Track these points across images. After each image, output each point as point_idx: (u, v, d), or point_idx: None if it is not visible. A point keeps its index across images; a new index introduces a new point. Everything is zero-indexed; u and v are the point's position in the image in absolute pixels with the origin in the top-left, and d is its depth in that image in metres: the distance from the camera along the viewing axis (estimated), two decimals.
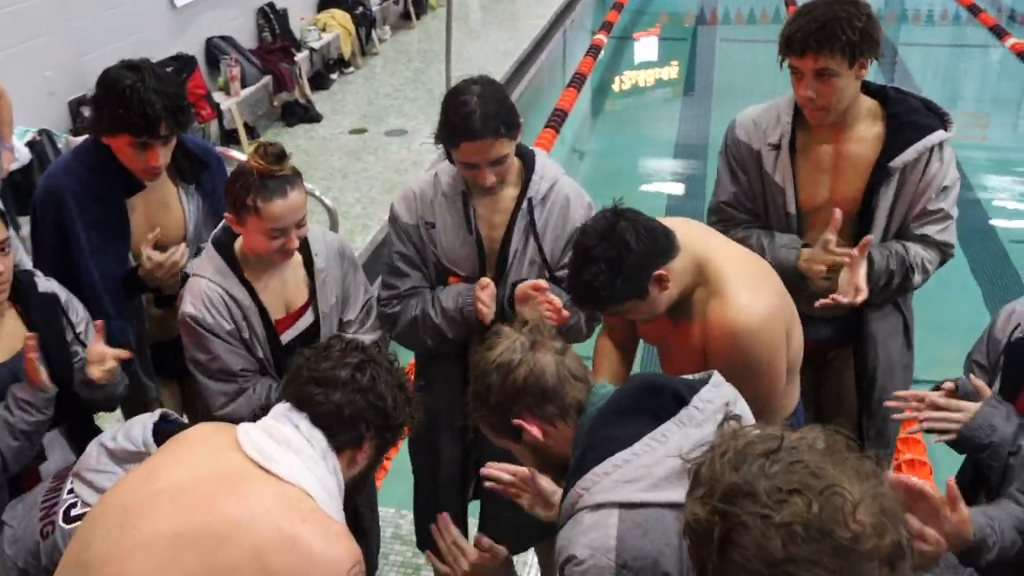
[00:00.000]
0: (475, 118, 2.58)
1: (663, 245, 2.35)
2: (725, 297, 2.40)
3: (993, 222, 6.84)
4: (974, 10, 12.65)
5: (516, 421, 1.90)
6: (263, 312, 2.71)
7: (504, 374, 1.89)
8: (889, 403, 2.52)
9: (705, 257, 2.44)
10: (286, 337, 2.77)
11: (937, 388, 2.46)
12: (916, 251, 2.88)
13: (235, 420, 2.17)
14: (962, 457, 2.53)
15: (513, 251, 2.79)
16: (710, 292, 2.42)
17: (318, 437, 1.91)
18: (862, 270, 2.75)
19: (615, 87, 11.05)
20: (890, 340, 3.06)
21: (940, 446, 2.48)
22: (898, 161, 2.81)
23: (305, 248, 2.79)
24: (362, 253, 5.83)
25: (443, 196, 2.82)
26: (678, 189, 7.94)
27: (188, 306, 2.66)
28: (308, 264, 2.80)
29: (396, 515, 3.91)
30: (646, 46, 12.58)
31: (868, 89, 2.90)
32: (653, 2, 14.80)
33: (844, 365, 3.14)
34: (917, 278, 2.89)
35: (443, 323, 2.82)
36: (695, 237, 2.48)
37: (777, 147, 2.93)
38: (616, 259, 2.27)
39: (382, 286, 2.94)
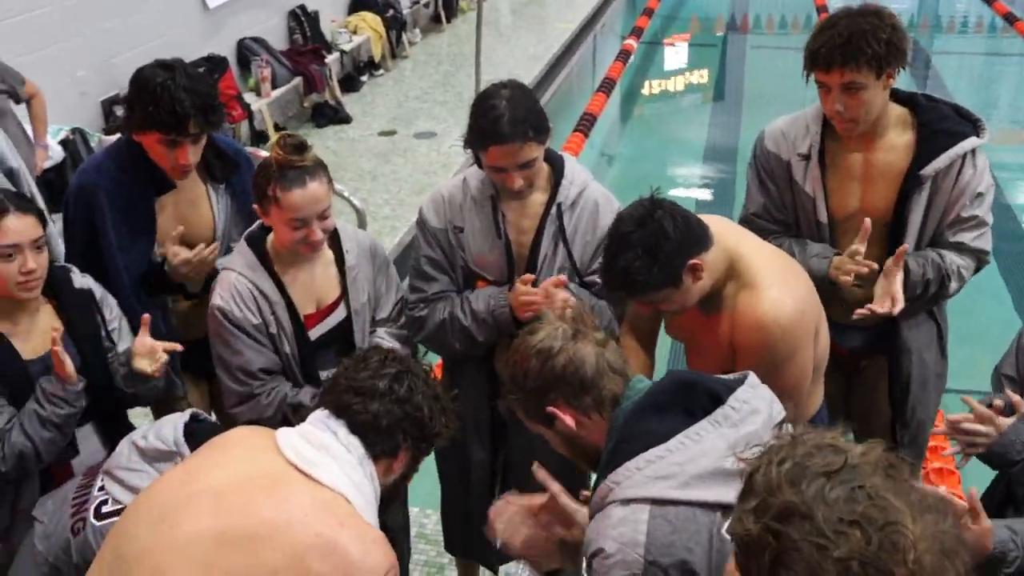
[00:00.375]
0: (504, 122, 2.57)
1: (699, 235, 2.36)
2: (755, 291, 2.40)
3: None
4: (1010, 18, 12.52)
5: (550, 409, 1.90)
6: (291, 307, 2.71)
7: (543, 360, 1.89)
8: (942, 430, 2.48)
9: (736, 252, 2.43)
10: (314, 333, 2.77)
11: (989, 405, 2.43)
12: (952, 258, 2.84)
13: (243, 422, 2.19)
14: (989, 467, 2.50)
15: (543, 256, 2.79)
16: (740, 286, 2.42)
17: (355, 444, 1.93)
18: (898, 280, 2.72)
19: (645, 92, 11.03)
20: (925, 349, 3.04)
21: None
22: (930, 169, 2.77)
23: (337, 245, 2.80)
24: (390, 254, 5.82)
25: (472, 200, 2.82)
26: (707, 195, 7.91)
27: (217, 298, 2.68)
28: (340, 261, 2.81)
29: (420, 514, 3.91)
30: (676, 52, 12.55)
31: (898, 97, 2.86)
32: (684, 7, 14.77)
33: (878, 374, 3.11)
34: (953, 285, 2.86)
35: (472, 326, 2.81)
36: (728, 232, 2.48)
37: (807, 157, 2.90)
38: (654, 246, 2.27)
39: (409, 289, 2.94)
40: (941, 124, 2.81)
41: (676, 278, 2.31)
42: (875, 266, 2.72)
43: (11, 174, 3.46)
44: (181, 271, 2.90)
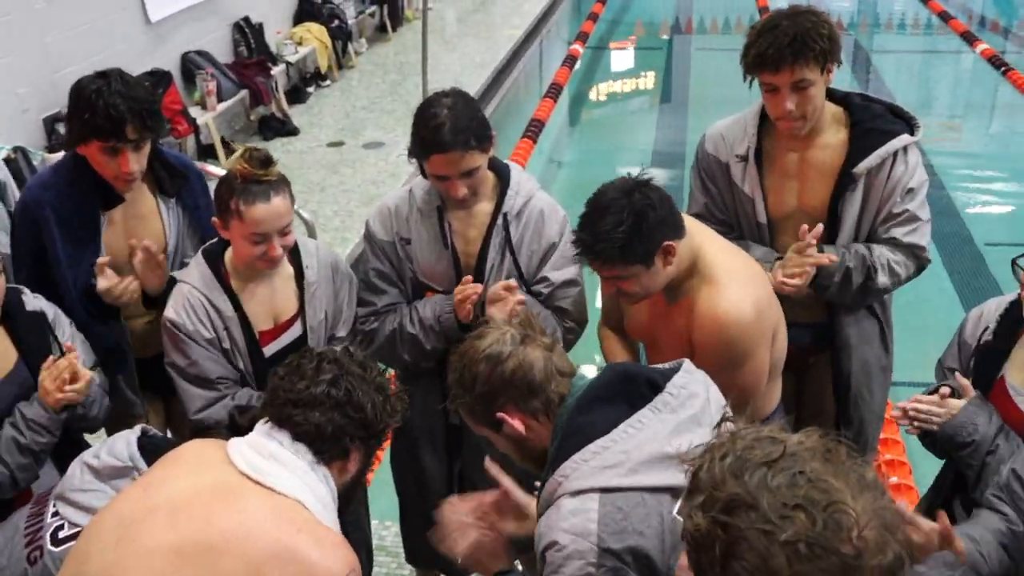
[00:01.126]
0: (445, 131, 2.59)
1: (677, 220, 2.40)
2: (716, 288, 2.43)
3: (967, 225, 6.91)
4: (945, 17, 12.79)
5: (499, 414, 1.92)
6: (245, 323, 2.70)
7: (492, 365, 1.90)
8: (893, 414, 2.54)
9: (700, 248, 2.47)
10: (270, 349, 2.76)
11: (934, 392, 2.48)
12: (881, 251, 2.89)
13: (210, 425, 2.15)
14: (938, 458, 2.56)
15: (490, 266, 2.80)
16: (702, 281, 2.45)
17: (303, 450, 1.91)
18: (810, 258, 2.78)
19: (592, 97, 11.10)
20: (865, 344, 3.08)
21: (919, 448, 2.50)
22: (861, 167, 2.83)
23: (297, 260, 2.79)
24: None
25: (418, 211, 2.83)
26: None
27: (170, 311, 2.67)
28: (299, 276, 2.80)
29: (380, 526, 3.90)
30: (622, 56, 12.64)
31: (833, 96, 2.92)
32: (629, 12, 14.89)
33: (824, 371, 3.17)
34: (882, 278, 2.89)
35: (420, 334, 2.82)
36: (694, 228, 2.51)
37: (744, 158, 2.95)
38: (639, 215, 2.30)
39: (358, 303, 2.94)
40: (874, 123, 2.87)
41: (650, 256, 2.33)
42: (811, 241, 2.76)
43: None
44: (105, 299, 2.86)
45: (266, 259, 2.62)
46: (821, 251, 2.78)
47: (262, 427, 1.97)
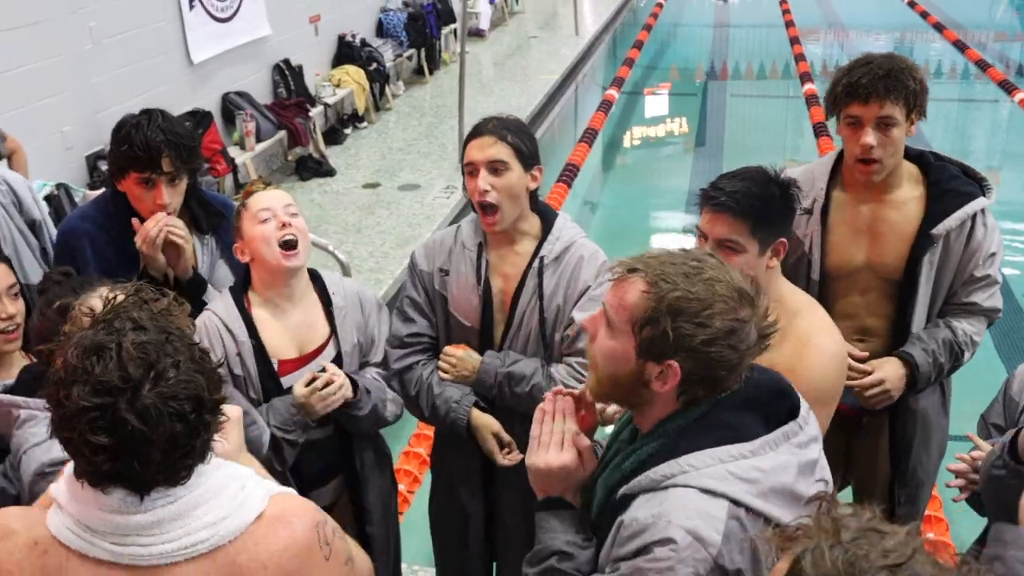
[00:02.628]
0: (485, 122, 2.76)
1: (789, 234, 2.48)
2: (814, 318, 2.44)
3: (1006, 276, 6.82)
4: (982, 65, 12.75)
5: (669, 362, 1.71)
6: (260, 352, 2.72)
7: (730, 331, 1.69)
8: (951, 483, 2.50)
9: (781, 282, 2.51)
10: (293, 379, 2.75)
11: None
12: (963, 329, 2.86)
13: None
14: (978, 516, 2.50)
15: (520, 312, 2.79)
16: (792, 312, 2.40)
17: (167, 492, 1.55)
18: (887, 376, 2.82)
19: (626, 142, 11.13)
20: (929, 410, 3.03)
21: (955, 504, 2.46)
22: (941, 228, 2.78)
23: (322, 290, 2.84)
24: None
25: (461, 244, 2.86)
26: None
27: None
28: (326, 304, 2.83)
29: (408, 570, 3.87)
30: (657, 101, 12.69)
31: (908, 154, 2.88)
32: (664, 57, 14.97)
33: (879, 432, 3.09)
34: (967, 356, 2.88)
35: (431, 418, 2.90)
36: None
37: (809, 211, 2.90)
38: (789, 197, 2.39)
39: (391, 334, 2.96)
40: (951, 183, 2.82)
41: (770, 242, 2.35)
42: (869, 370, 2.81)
43: (34, 226, 3.49)
44: (141, 248, 2.90)
45: (282, 241, 2.66)
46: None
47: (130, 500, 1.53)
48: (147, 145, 2.80)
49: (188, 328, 1.60)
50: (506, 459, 2.80)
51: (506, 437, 2.81)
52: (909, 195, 2.86)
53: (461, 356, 2.82)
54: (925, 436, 3.04)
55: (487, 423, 2.81)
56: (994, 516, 2.23)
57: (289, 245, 2.68)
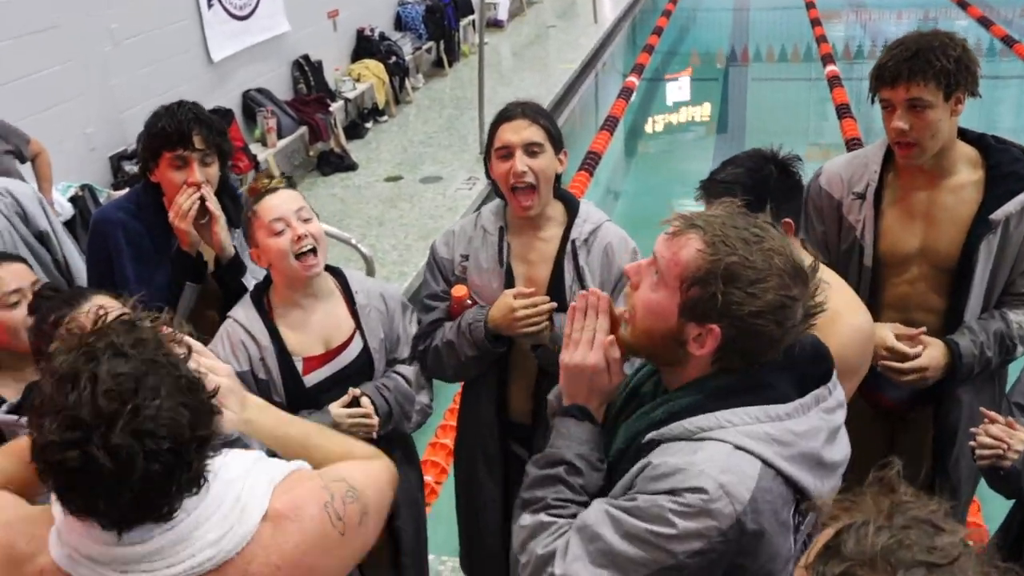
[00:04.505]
0: (514, 106, 2.78)
1: (799, 213, 2.47)
2: (843, 295, 2.38)
3: None
4: (1008, 41, 12.58)
5: (711, 326, 1.67)
6: (283, 355, 2.72)
7: (783, 312, 1.66)
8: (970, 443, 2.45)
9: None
10: (319, 375, 2.76)
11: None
12: (1020, 321, 2.75)
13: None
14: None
15: (569, 291, 2.77)
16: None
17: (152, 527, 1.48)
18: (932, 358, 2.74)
19: (648, 128, 11.09)
20: (978, 404, 2.85)
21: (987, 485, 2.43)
22: (1000, 213, 2.67)
23: (345, 288, 2.84)
24: None
25: (482, 229, 2.86)
26: None
27: (212, 344, 2.71)
28: (350, 303, 2.83)
29: (436, 561, 3.88)
30: (678, 87, 12.64)
31: (966, 137, 2.77)
32: (684, 43, 14.88)
33: (925, 427, 2.99)
34: (1020, 350, 2.77)
35: (456, 338, 2.81)
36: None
37: (862, 196, 2.82)
38: (789, 174, 2.40)
39: (416, 325, 2.97)
40: (1012, 167, 2.70)
41: (775, 219, 2.30)
42: (918, 352, 2.72)
43: (41, 237, 3.52)
44: (174, 222, 2.94)
45: (299, 253, 2.63)
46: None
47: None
48: (178, 122, 2.88)
49: (182, 351, 1.48)
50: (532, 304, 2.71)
51: (526, 289, 2.74)
52: (967, 179, 2.74)
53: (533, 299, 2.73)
54: (972, 425, 2.98)
55: (504, 302, 2.72)
56: None
57: (307, 255, 2.67)
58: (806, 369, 1.75)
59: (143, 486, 1.36)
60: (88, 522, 1.42)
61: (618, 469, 1.76)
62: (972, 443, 2.41)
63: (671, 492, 1.60)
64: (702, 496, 1.58)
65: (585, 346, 1.82)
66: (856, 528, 1.17)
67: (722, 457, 1.62)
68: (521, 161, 2.69)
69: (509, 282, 2.81)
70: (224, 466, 1.53)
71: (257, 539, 1.53)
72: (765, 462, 1.62)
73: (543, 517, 1.75)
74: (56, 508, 1.47)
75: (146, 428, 1.35)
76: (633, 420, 1.79)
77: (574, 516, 1.73)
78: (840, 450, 1.75)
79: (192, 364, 1.49)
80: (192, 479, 1.43)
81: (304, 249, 2.64)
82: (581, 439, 1.80)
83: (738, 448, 1.62)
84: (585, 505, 1.75)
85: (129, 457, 1.34)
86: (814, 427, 1.69)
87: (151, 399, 1.36)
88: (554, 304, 2.71)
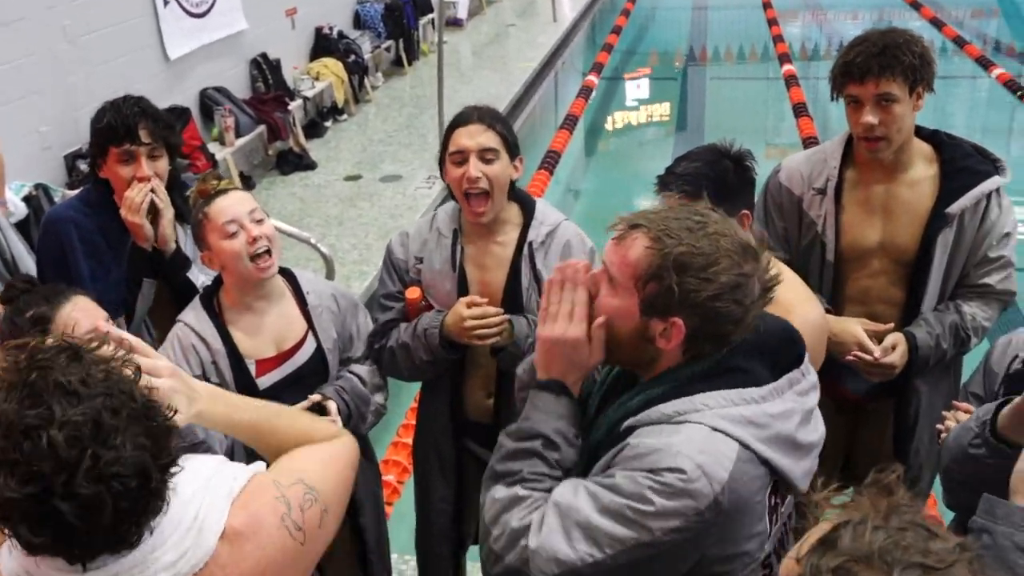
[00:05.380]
0: (470, 110, 2.76)
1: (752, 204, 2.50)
2: (797, 290, 2.40)
3: None
4: (959, 42, 12.79)
5: (673, 319, 1.69)
6: (235, 358, 2.70)
7: (736, 275, 1.68)
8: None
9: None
10: (272, 378, 2.74)
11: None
12: (972, 314, 2.83)
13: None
14: None
15: (526, 296, 2.78)
16: None
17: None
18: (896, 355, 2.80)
19: (608, 127, 11.14)
20: (935, 394, 2.98)
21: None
22: (956, 207, 2.74)
23: (296, 289, 2.82)
24: (360, 298, 5.82)
25: (436, 231, 2.85)
26: None
27: (162, 348, 2.69)
28: (302, 304, 2.82)
29: (399, 560, 3.88)
30: (637, 86, 12.69)
31: (920, 133, 2.84)
32: (643, 42, 14.96)
33: (885, 419, 3.06)
34: (974, 341, 2.84)
35: (411, 341, 2.81)
36: None
37: (822, 191, 2.87)
38: (744, 168, 2.41)
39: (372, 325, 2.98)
40: (964, 162, 2.78)
41: (731, 216, 2.32)
42: (877, 354, 2.77)
43: None
44: (126, 217, 2.92)
45: (253, 255, 2.61)
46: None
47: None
48: (124, 117, 2.86)
49: (130, 371, 1.42)
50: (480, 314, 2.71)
51: (479, 299, 2.73)
52: (923, 174, 2.82)
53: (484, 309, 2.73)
54: (930, 419, 3.01)
55: (456, 311, 2.72)
56: (956, 491, 2.23)
57: (262, 256, 2.65)
58: (778, 353, 1.78)
59: (113, 523, 1.33)
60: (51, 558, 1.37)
61: (596, 457, 1.78)
62: (940, 426, 2.44)
63: (650, 471, 1.62)
64: (680, 476, 1.60)
65: (564, 319, 1.81)
66: (853, 525, 1.19)
67: (700, 439, 1.64)
68: (475, 167, 2.67)
69: (462, 286, 2.80)
70: (182, 482, 1.48)
71: (215, 559, 1.49)
72: (742, 443, 1.65)
73: (518, 490, 1.75)
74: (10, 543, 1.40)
75: (111, 471, 1.30)
76: (611, 410, 1.80)
77: (549, 491, 1.73)
78: (814, 431, 1.79)
79: (135, 362, 1.44)
80: (157, 502, 1.40)
81: (259, 251, 2.62)
82: (558, 413, 1.80)
83: (715, 430, 1.66)
84: (559, 480, 1.76)
85: (97, 502, 1.29)
86: (788, 409, 1.73)
87: (112, 439, 1.31)
88: (505, 316, 2.71)
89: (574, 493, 1.69)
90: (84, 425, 1.29)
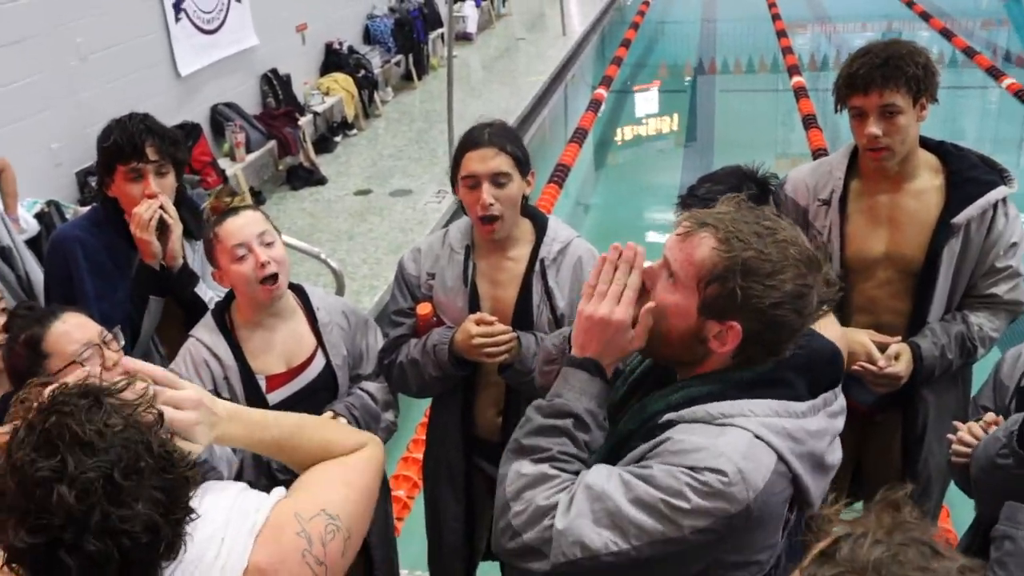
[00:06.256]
0: (480, 131, 2.70)
1: None
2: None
3: None
4: (969, 52, 12.77)
5: (731, 322, 1.68)
6: (247, 374, 2.70)
7: (800, 285, 1.67)
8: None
9: None
10: (281, 394, 2.74)
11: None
12: (979, 324, 2.82)
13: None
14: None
15: (537, 313, 2.77)
16: None
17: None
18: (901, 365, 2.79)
19: (617, 140, 11.13)
20: (944, 405, 2.97)
21: (956, 491, 2.45)
22: (962, 217, 2.74)
23: (307, 305, 2.83)
24: (370, 313, 5.83)
25: (449, 248, 2.85)
26: None
27: (174, 363, 2.70)
28: (312, 320, 2.82)
29: None
30: (646, 98, 12.70)
31: (926, 144, 2.85)
32: (652, 55, 14.98)
33: (893, 430, 3.05)
34: (980, 351, 2.83)
35: (420, 357, 2.79)
36: None
37: (827, 202, 2.88)
38: (767, 192, 2.50)
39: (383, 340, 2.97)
40: (971, 172, 2.78)
41: None
42: (883, 364, 2.77)
43: (3, 253, 3.48)
44: (135, 233, 2.90)
45: (262, 279, 2.61)
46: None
47: None
48: (130, 135, 2.87)
49: (151, 416, 1.38)
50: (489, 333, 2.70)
51: (488, 316, 2.71)
52: (928, 184, 2.82)
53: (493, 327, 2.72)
54: (939, 429, 2.97)
55: (465, 328, 2.71)
56: (988, 501, 2.22)
57: (270, 281, 2.65)
58: (819, 373, 1.77)
59: (120, 574, 1.30)
60: None
61: (626, 446, 1.76)
62: (951, 435, 2.44)
63: (691, 468, 1.61)
64: (721, 478, 1.59)
65: (612, 300, 1.76)
66: (854, 538, 1.18)
67: (744, 444, 1.64)
68: (488, 193, 2.65)
69: (474, 302, 2.79)
70: (202, 521, 1.44)
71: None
72: (779, 455, 1.65)
73: (547, 469, 1.73)
74: None
75: (120, 528, 1.27)
76: (649, 402, 1.79)
77: (576, 473, 1.72)
78: (836, 454, 1.78)
79: (158, 408, 1.41)
80: (170, 549, 1.36)
81: (267, 275, 2.63)
82: (592, 394, 1.78)
83: (757, 438, 1.65)
84: (586, 462, 1.75)
85: (104, 558, 1.27)
86: (823, 428, 1.73)
87: (124, 496, 1.28)
88: (513, 335, 2.70)
89: (607, 479, 1.66)
90: (95, 482, 1.27)
